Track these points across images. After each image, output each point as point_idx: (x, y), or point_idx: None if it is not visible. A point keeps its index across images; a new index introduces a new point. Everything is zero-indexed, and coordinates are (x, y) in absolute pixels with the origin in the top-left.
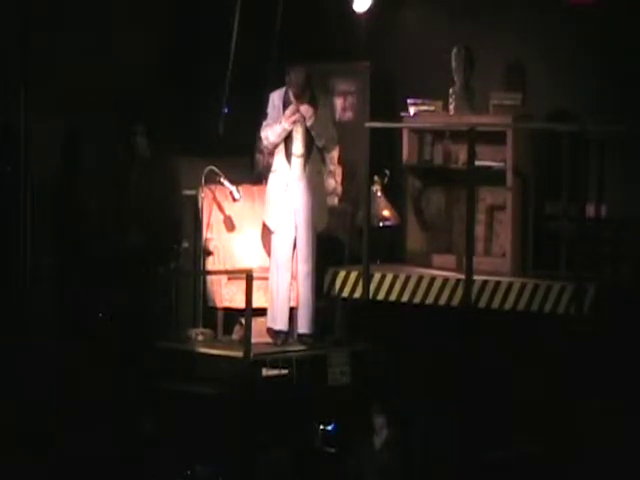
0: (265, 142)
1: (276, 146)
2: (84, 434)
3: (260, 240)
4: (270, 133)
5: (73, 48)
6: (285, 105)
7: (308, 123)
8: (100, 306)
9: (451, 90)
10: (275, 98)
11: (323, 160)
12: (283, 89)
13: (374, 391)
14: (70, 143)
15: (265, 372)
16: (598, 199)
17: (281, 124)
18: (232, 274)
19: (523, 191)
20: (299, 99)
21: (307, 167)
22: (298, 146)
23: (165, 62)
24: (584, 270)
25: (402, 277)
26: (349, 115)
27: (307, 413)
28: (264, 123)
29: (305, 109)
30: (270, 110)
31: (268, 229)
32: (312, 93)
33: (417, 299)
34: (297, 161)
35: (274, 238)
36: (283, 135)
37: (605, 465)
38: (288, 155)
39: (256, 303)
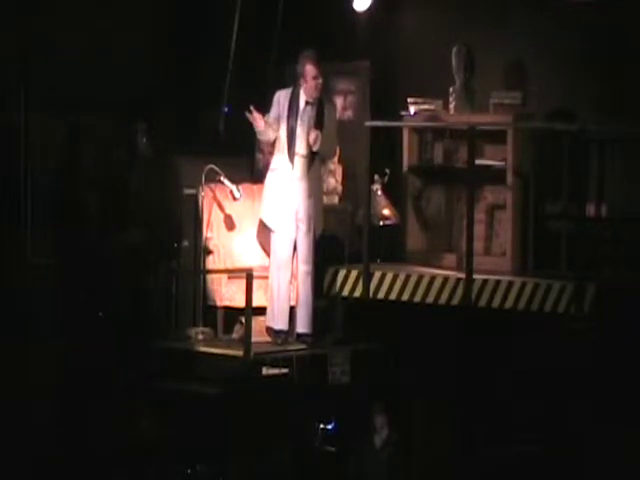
0: (258, 137)
1: (274, 144)
2: (84, 434)
3: (256, 237)
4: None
5: (74, 48)
6: (291, 105)
7: (315, 148)
8: (100, 305)
9: (451, 89)
10: (281, 96)
11: (323, 160)
12: (290, 89)
13: (374, 391)
14: (70, 142)
15: (265, 371)
16: (598, 198)
17: (262, 125)
18: (232, 273)
19: (523, 190)
20: (314, 98)
21: (310, 168)
22: (302, 146)
23: (166, 61)
24: (584, 269)
25: (402, 276)
26: (349, 114)
27: (307, 413)
28: (253, 115)
29: (313, 137)
30: (274, 107)
31: (268, 228)
32: (322, 101)
33: (417, 298)
34: (300, 161)
35: (274, 238)
36: (262, 137)
37: (605, 465)
38: (291, 154)
39: (256, 302)
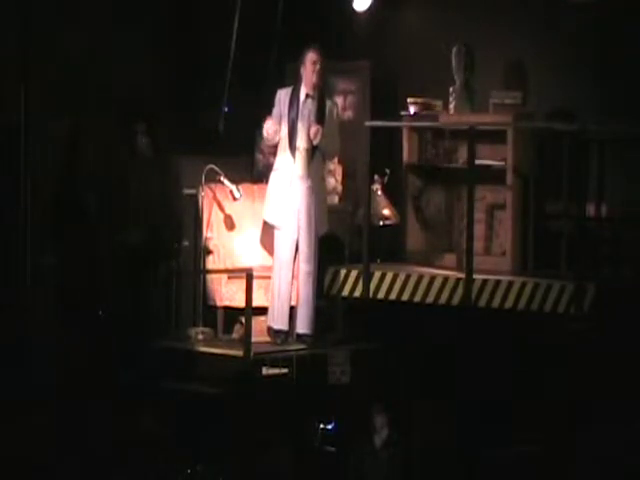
0: (266, 142)
1: (276, 145)
2: (84, 434)
3: (260, 239)
4: (264, 131)
5: (74, 48)
6: (292, 101)
7: (315, 142)
8: (100, 305)
9: (451, 89)
10: (282, 94)
11: (324, 158)
12: (291, 87)
13: (374, 391)
14: (70, 142)
15: (265, 371)
16: (598, 198)
17: (263, 132)
18: (232, 273)
19: (523, 190)
20: (313, 88)
21: (311, 165)
22: (303, 140)
23: (165, 61)
24: (584, 269)
25: (402, 276)
26: (349, 114)
27: (307, 413)
28: (267, 120)
29: (314, 130)
30: (275, 107)
31: (271, 226)
32: (322, 95)
33: (417, 298)
34: (301, 155)
35: (277, 237)
36: (269, 142)
37: (604, 465)
38: (292, 149)
39: (256, 302)
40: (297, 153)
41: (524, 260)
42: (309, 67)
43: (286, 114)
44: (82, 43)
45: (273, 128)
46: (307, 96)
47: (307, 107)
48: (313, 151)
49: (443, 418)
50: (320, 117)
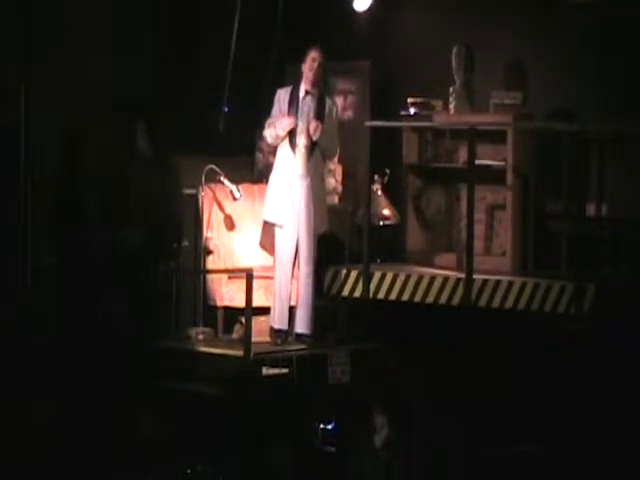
0: (268, 140)
1: (276, 146)
2: (84, 434)
3: (259, 240)
4: (268, 134)
5: (73, 47)
6: (291, 99)
7: (315, 137)
8: (100, 305)
9: (451, 89)
10: (281, 93)
11: (324, 158)
12: (290, 86)
13: (374, 391)
14: (70, 142)
15: (265, 371)
16: (598, 198)
17: (276, 128)
18: (232, 273)
19: (523, 190)
20: (312, 85)
21: (310, 162)
22: (303, 136)
23: (165, 61)
24: (584, 269)
25: (402, 276)
26: (349, 114)
27: (307, 412)
28: (267, 121)
29: (314, 126)
30: (275, 106)
31: (272, 225)
32: (322, 94)
33: (417, 298)
34: (301, 152)
35: (278, 236)
36: (279, 140)
37: (605, 466)
38: (292, 146)
39: (256, 302)
40: (297, 150)
41: (524, 260)
42: (309, 64)
43: (286, 112)
44: (82, 43)
45: (290, 126)
46: (306, 93)
47: (306, 104)
48: (312, 148)
49: (443, 418)
50: (319, 113)
